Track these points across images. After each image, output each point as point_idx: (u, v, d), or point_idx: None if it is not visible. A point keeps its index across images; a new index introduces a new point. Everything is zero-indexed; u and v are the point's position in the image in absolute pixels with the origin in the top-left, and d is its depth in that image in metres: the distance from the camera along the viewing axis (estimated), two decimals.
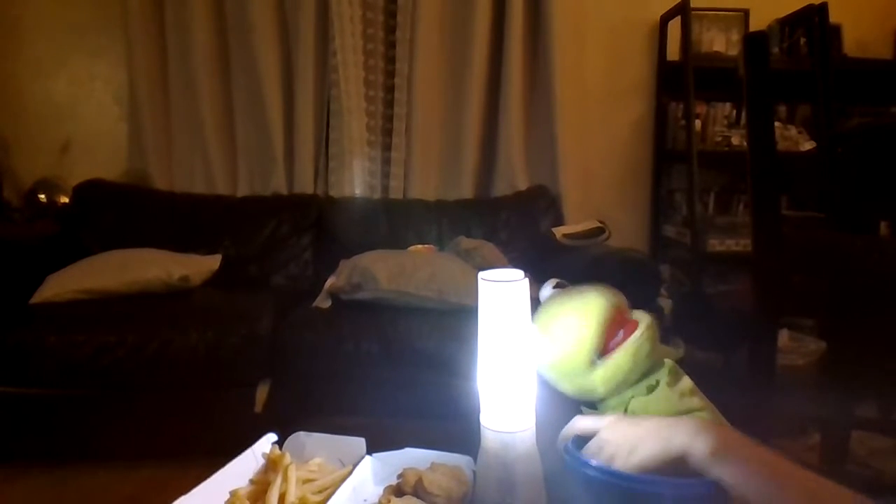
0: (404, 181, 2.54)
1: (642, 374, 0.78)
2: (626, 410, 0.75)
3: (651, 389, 0.76)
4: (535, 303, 0.65)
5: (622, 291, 0.82)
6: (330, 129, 2.46)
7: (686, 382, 0.76)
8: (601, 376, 0.76)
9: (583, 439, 0.60)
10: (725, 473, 0.50)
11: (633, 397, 0.76)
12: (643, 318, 0.79)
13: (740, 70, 1.16)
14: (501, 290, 0.60)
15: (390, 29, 2.48)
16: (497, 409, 0.61)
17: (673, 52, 2.56)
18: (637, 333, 0.76)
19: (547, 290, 0.86)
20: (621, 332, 0.78)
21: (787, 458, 0.50)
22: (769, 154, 1.16)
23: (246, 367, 1.70)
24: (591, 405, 0.82)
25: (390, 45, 2.49)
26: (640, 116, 2.69)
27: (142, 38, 2.42)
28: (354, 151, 2.48)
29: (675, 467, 0.53)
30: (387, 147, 2.55)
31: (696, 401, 0.74)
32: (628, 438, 0.56)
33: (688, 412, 0.72)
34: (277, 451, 0.69)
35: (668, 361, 0.79)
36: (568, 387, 0.80)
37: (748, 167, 1.18)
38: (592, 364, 0.76)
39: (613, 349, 0.77)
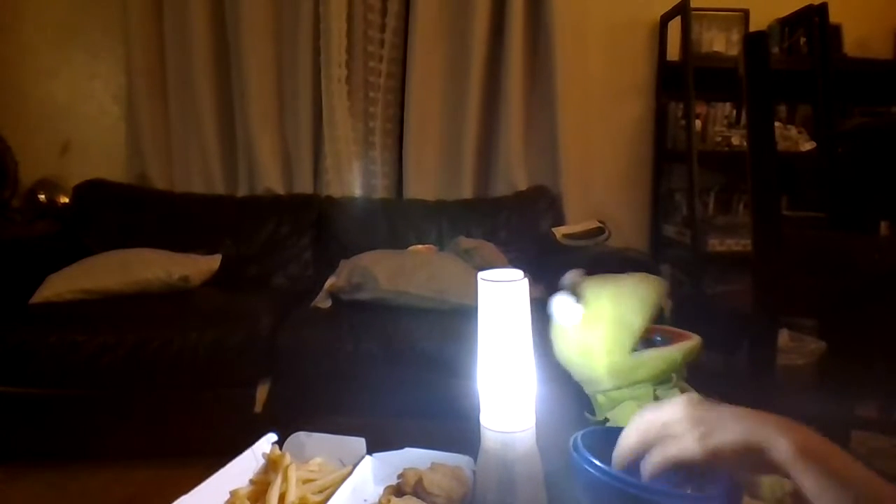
0: (404, 181, 2.54)
1: (658, 380, 0.77)
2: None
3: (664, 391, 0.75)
4: (535, 303, 0.64)
5: None
6: (329, 129, 2.46)
7: (695, 395, 0.76)
8: (643, 362, 0.74)
9: (590, 437, 0.59)
10: (808, 478, 0.44)
11: (655, 389, 0.75)
12: (694, 336, 0.78)
13: (740, 70, 1.16)
14: (501, 290, 0.60)
15: (390, 30, 2.48)
16: (497, 409, 0.61)
17: (673, 52, 2.56)
18: (694, 342, 0.76)
19: (574, 276, 0.84)
20: (668, 336, 0.78)
21: (880, 475, 0.44)
22: (769, 154, 1.16)
23: (246, 367, 1.70)
24: (592, 412, 0.81)
25: (390, 45, 2.49)
26: (640, 116, 2.69)
27: (141, 38, 2.42)
28: (353, 151, 2.49)
29: (750, 463, 0.47)
30: (387, 147, 2.55)
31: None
32: (705, 419, 0.50)
33: None
34: (277, 450, 0.69)
35: (674, 375, 0.78)
36: (592, 369, 0.77)
37: (748, 167, 1.17)
38: (634, 350, 0.75)
39: (663, 345, 0.76)
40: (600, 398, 0.79)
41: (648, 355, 0.74)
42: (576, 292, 0.78)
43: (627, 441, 0.54)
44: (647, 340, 0.77)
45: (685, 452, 0.49)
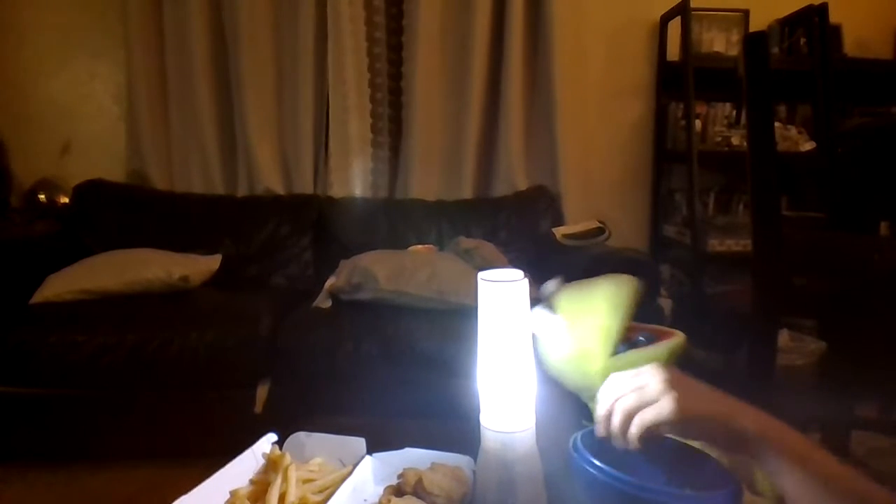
0: (404, 181, 2.55)
1: None
2: None
3: None
4: (535, 303, 0.64)
5: None
6: (330, 129, 2.46)
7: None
8: (629, 362, 0.74)
9: (590, 437, 0.59)
10: (769, 456, 0.49)
11: None
12: (679, 333, 0.78)
13: (740, 70, 1.16)
14: (501, 290, 0.60)
15: (392, 30, 2.49)
16: (497, 409, 0.61)
17: (673, 52, 2.56)
18: (679, 339, 0.76)
19: (552, 286, 0.85)
20: (652, 335, 0.77)
21: (837, 459, 0.49)
22: (769, 154, 1.16)
23: (246, 367, 1.70)
24: (590, 418, 0.81)
25: (392, 46, 2.49)
26: (640, 116, 2.69)
27: (141, 38, 2.42)
28: (354, 151, 2.49)
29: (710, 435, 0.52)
30: (387, 147, 2.56)
31: None
32: (679, 385, 0.54)
33: None
34: (277, 451, 0.69)
35: None
36: (579, 377, 0.77)
37: (748, 167, 1.18)
38: (617, 352, 0.75)
39: (645, 345, 0.76)
40: (593, 406, 0.79)
41: (631, 356, 0.74)
42: (552, 304, 0.78)
43: (604, 405, 0.58)
44: (630, 341, 0.77)
45: (662, 415, 0.53)
